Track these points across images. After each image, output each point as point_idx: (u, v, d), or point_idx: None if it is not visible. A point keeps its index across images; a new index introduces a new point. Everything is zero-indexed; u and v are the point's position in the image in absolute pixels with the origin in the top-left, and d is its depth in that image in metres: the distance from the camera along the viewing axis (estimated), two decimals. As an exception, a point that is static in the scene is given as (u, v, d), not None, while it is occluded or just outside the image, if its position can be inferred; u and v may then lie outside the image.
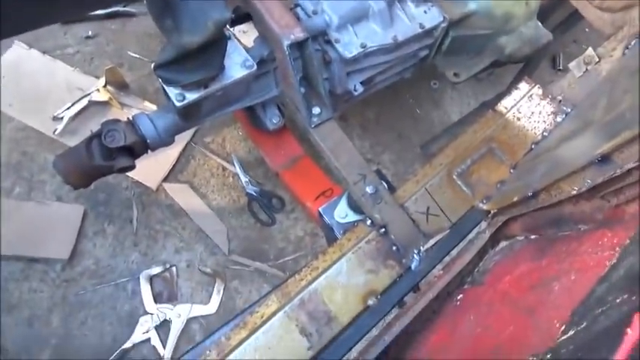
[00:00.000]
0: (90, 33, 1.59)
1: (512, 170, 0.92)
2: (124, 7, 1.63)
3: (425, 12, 1.04)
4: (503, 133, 0.97)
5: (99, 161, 0.93)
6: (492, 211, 0.87)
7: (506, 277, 0.74)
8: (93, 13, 1.59)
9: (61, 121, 1.40)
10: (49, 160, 1.37)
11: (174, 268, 1.28)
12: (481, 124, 0.98)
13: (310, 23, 0.96)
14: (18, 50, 1.52)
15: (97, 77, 1.48)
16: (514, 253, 0.80)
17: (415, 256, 0.83)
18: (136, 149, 0.95)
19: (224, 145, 1.47)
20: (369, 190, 0.88)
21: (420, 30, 1.02)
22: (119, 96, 1.47)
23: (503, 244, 0.86)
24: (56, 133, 1.39)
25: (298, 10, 1.01)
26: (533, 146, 0.93)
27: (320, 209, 0.93)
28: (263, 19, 0.89)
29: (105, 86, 1.45)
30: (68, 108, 1.42)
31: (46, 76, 1.49)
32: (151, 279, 1.25)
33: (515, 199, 0.80)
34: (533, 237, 0.81)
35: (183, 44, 0.75)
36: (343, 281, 0.79)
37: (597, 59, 0.93)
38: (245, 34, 1.47)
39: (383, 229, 0.85)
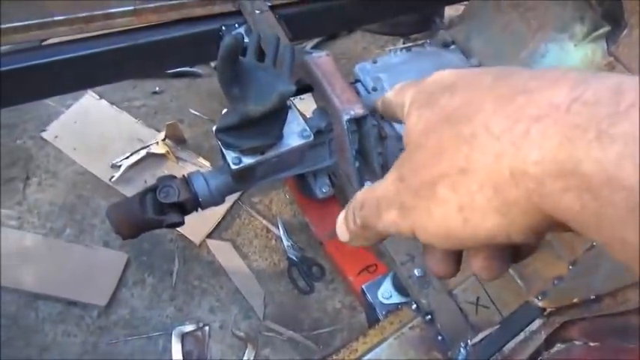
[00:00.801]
0: (157, 89, 1.69)
1: (570, 267, 0.87)
2: (192, 67, 1.73)
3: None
4: (561, 225, 0.92)
5: (150, 215, 0.94)
6: (548, 310, 0.82)
7: (563, 387, 0.67)
8: (162, 71, 1.69)
9: (118, 169, 1.46)
10: (102, 205, 1.42)
11: (207, 328, 1.26)
12: (538, 214, 0.95)
13: (369, 99, 0.97)
14: (89, 100, 1.63)
15: (158, 130, 1.55)
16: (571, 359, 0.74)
17: (462, 349, 0.77)
18: (188, 206, 0.96)
19: (270, 206, 1.48)
20: (416, 272, 0.85)
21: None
22: (176, 150, 1.52)
23: (558, 346, 0.79)
24: (112, 180, 1.45)
25: (359, 85, 1.04)
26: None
27: (364, 287, 0.90)
28: (325, 93, 0.91)
29: (164, 140, 1.51)
30: (127, 157, 1.48)
31: (111, 126, 1.58)
32: (183, 336, 1.23)
33: (575, 300, 0.74)
34: (592, 344, 0.74)
35: (248, 112, 0.77)
36: (383, 369, 0.75)
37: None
38: (302, 101, 1.51)
39: (429, 316, 0.80)
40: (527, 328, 0.81)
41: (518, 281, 0.87)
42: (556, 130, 0.20)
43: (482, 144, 0.23)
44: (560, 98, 0.21)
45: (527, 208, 0.22)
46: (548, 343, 0.79)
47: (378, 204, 0.30)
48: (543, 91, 0.22)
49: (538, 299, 0.84)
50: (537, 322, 0.81)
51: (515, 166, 0.22)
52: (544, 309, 0.83)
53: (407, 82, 0.34)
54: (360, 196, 0.32)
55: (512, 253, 0.30)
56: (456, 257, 0.31)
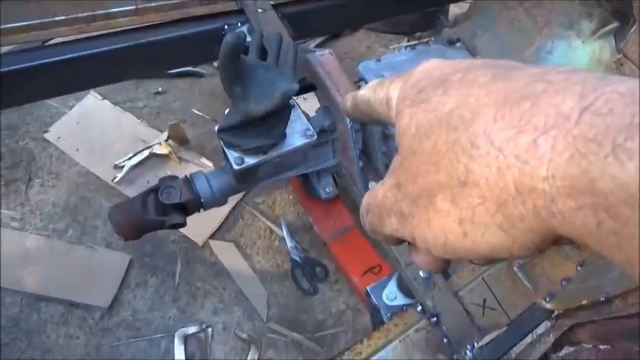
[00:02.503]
0: (159, 89, 1.68)
1: (579, 268, 0.85)
2: (194, 67, 1.72)
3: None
4: (569, 226, 0.91)
5: (152, 216, 0.93)
6: (556, 312, 0.80)
7: (572, 391, 0.66)
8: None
9: (121, 170, 1.45)
10: (105, 206, 1.41)
11: (210, 330, 1.25)
12: (545, 214, 0.93)
13: (374, 98, 0.96)
14: (92, 100, 1.62)
15: (161, 131, 1.55)
16: (581, 362, 0.72)
17: (468, 352, 0.76)
18: (190, 207, 0.95)
19: (274, 207, 1.47)
20: (422, 274, 0.83)
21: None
22: (179, 150, 1.51)
23: (567, 349, 0.78)
24: (115, 181, 1.44)
25: (362, 84, 1.03)
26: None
27: (368, 288, 0.89)
28: (328, 92, 0.90)
29: (167, 140, 1.50)
30: (130, 158, 1.47)
31: (114, 126, 1.57)
32: (186, 338, 1.22)
33: (584, 302, 0.73)
34: (602, 347, 0.73)
35: (250, 112, 0.76)
36: (388, 372, 0.73)
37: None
38: (305, 101, 1.50)
39: (434, 318, 0.79)
40: (534, 331, 0.80)
41: (526, 283, 0.85)
42: (566, 144, 0.19)
43: (483, 155, 0.22)
44: (568, 106, 0.20)
45: (534, 225, 0.21)
46: (557, 345, 0.77)
47: (379, 211, 0.29)
48: (549, 97, 0.21)
49: (546, 301, 0.82)
50: (545, 325, 0.80)
51: (522, 182, 0.20)
52: (552, 311, 0.81)
53: (385, 77, 0.32)
54: (364, 200, 0.31)
55: None
56: None
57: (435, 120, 0.25)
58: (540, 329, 0.80)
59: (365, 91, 0.33)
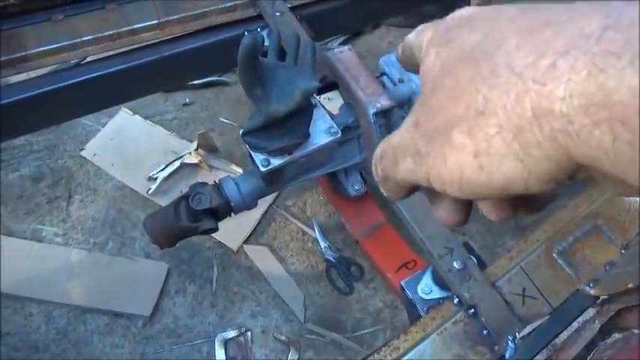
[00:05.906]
0: (187, 100, 1.71)
1: (623, 251, 0.81)
2: (220, 76, 1.75)
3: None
4: (610, 208, 0.87)
5: (185, 222, 0.95)
6: (601, 297, 0.77)
7: (623, 379, 0.63)
8: (191, 83, 1.72)
9: (155, 182, 1.48)
10: (141, 218, 1.44)
11: (249, 333, 1.26)
12: (583, 198, 0.89)
13: (396, 91, 0.95)
14: (124, 116, 1.67)
15: (191, 141, 1.58)
16: (631, 349, 0.69)
17: (510, 343, 0.74)
18: (220, 212, 0.96)
19: (305, 209, 1.47)
20: (456, 265, 0.82)
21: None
22: (209, 159, 1.54)
23: (616, 336, 0.74)
24: (149, 192, 1.47)
25: (384, 78, 1.02)
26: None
27: (402, 283, 0.87)
28: (349, 88, 0.90)
29: (197, 149, 1.53)
30: (162, 169, 1.51)
31: (146, 140, 1.61)
32: (226, 342, 1.24)
33: (630, 285, 0.70)
34: (653, 331, 0.69)
35: (271, 112, 0.77)
36: (427, 366, 0.72)
37: None
38: (330, 101, 1.50)
39: (472, 310, 0.77)
40: (579, 318, 0.76)
41: (567, 269, 0.82)
42: (585, 61, 0.19)
43: (502, 83, 0.21)
44: (591, 28, 0.19)
45: (551, 152, 0.21)
46: (604, 332, 0.74)
47: (394, 153, 0.28)
48: (574, 21, 0.20)
49: (589, 287, 0.79)
50: (590, 311, 0.77)
51: (539, 105, 0.20)
52: (597, 297, 0.78)
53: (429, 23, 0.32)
54: (379, 147, 0.31)
55: (522, 202, 0.28)
56: (466, 206, 0.30)
57: (457, 56, 0.25)
58: (585, 316, 0.77)
59: (411, 35, 0.32)
